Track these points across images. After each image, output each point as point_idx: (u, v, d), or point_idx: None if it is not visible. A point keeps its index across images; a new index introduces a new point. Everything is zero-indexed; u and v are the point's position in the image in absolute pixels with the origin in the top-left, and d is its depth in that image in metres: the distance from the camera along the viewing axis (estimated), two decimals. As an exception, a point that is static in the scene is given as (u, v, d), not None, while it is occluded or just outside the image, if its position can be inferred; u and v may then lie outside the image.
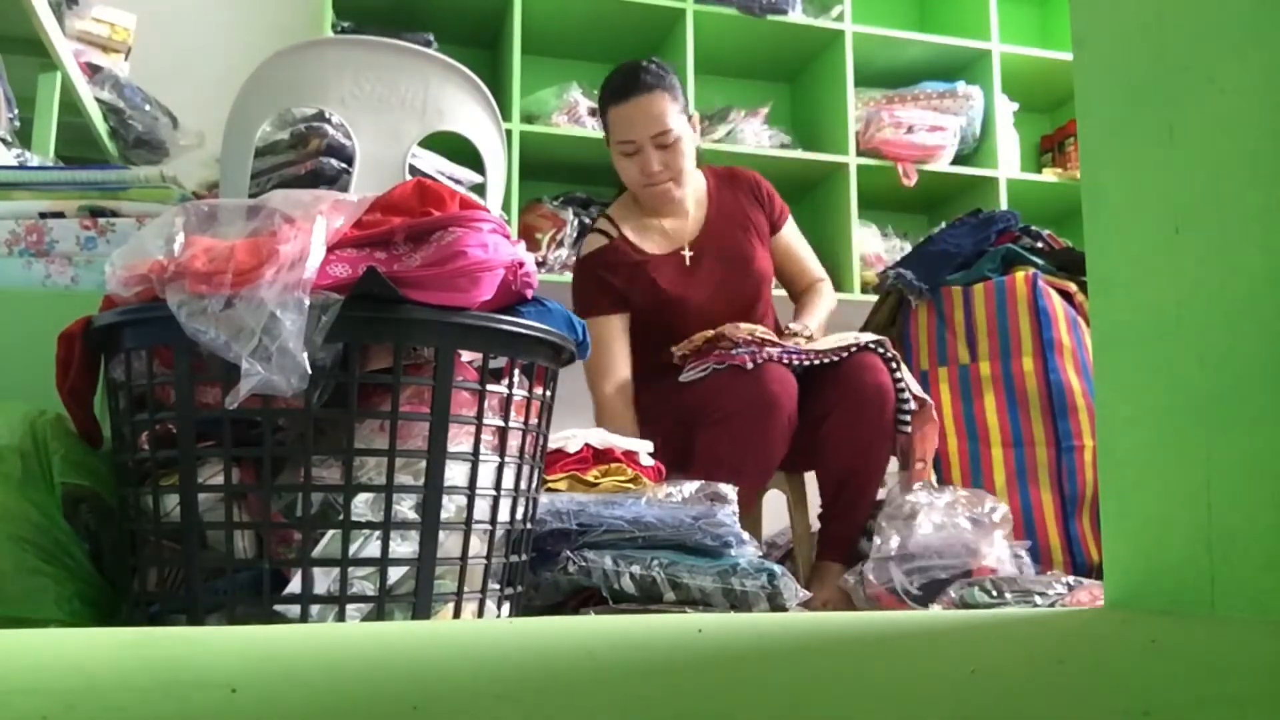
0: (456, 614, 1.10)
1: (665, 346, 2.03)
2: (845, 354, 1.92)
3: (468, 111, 1.38)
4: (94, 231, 1.39)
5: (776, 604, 1.31)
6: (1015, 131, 3.30)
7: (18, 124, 1.78)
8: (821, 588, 1.84)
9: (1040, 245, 2.26)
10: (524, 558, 1.22)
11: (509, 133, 2.70)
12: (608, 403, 2.06)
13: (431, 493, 1.06)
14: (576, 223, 2.86)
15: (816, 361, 1.90)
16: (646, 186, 2.09)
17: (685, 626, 0.93)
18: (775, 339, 1.93)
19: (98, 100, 2.13)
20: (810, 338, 2.01)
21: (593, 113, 2.92)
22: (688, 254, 2.14)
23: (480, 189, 1.49)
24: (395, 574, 1.06)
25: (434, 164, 1.50)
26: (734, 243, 2.15)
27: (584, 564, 1.32)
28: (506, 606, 1.19)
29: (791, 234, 2.26)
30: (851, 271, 3.00)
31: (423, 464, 1.06)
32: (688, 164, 2.10)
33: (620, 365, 2.08)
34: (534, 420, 1.18)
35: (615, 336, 2.09)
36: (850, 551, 1.89)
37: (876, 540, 1.73)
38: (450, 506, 1.09)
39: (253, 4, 2.97)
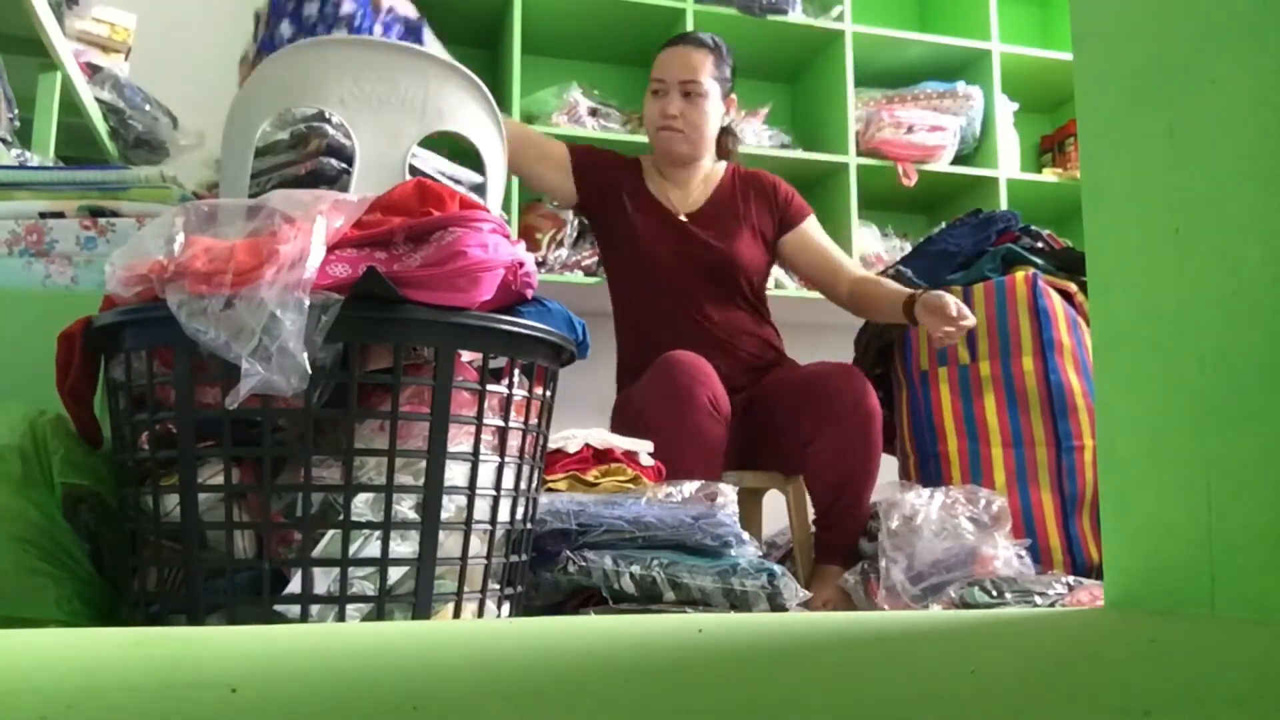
0: (456, 614, 1.09)
1: (642, 318, 2.11)
2: None
3: (468, 111, 1.38)
4: (94, 231, 1.39)
5: (776, 604, 1.31)
6: (1015, 131, 3.30)
7: (18, 124, 1.78)
8: (821, 588, 1.84)
9: (1040, 245, 2.26)
10: (524, 558, 1.22)
11: (509, 133, 2.69)
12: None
13: (431, 493, 1.06)
14: (576, 223, 2.86)
15: None
16: (661, 129, 2.15)
17: (685, 626, 0.93)
18: None
19: (98, 100, 2.13)
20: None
21: (593, 113, 2.92)
22: (682, 217, 2.17)
23: (480, 189, 1.49)
24: (395, 574, 1.06)
25: (434, 164, 1.49)
26: (724, 229, 2.17)
27: (584, 564, 1.32)
28: (506, 606, 1.19)
29: (813, 231, 2.24)
30: (852, 271, 2.99)
31: (423, 464, 1.06)
32: (706, 129, 2.16)
33: (533, 135, 2.19)
34: (534, 420, 1.18)
35: (550, 146, 2.18)
36: (849, 555, 1.89)
37: (882, 563, 1.73)
38: (450, 506, 1.09)
39: (253, 4, 2.96)
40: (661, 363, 1.87)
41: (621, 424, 1.98)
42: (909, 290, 2.04)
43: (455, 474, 1.08)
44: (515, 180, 2.69)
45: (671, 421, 1.80)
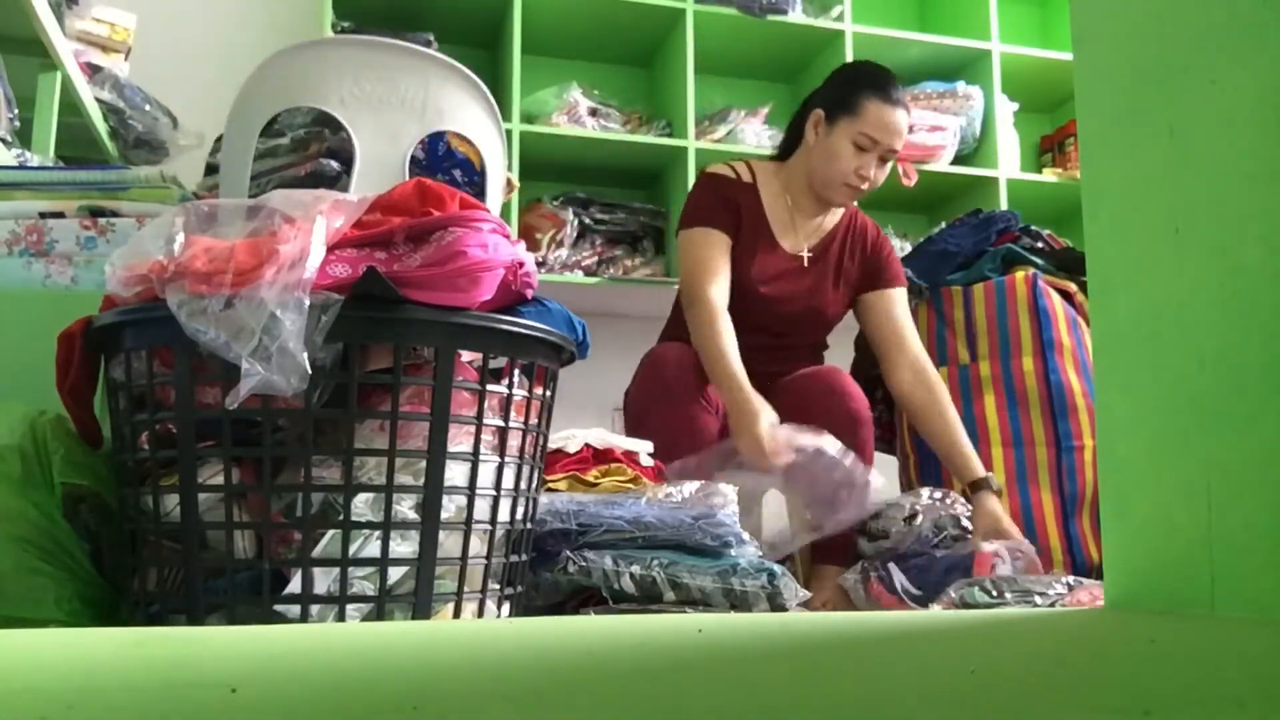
0: (456, 614, 1.09)
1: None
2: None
3: (468, 111, 1.38)
4: (94, 231, 1.39)
5: (776, 604, 1.31)
6: (1015, 131, 3.30)
7: (18, 124, 1.78)
8: (821, 589, 1.84)
9: (1040, 245, 2.26)
10: (524, 558, 1.22)
11: (509, 133, 2.70)
12: (711, 316, 1.88)
13: (431, 493, 1.06)
14: (576, 223, 2.86)
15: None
16: (848, 185, 2.04)
17: (685, 626, 0.93)
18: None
19: (98, 100, 2.13)
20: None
21: (593, 113, 2.91)
22: (807, 256, 2.11)
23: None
24: (395, 574, 1.06)
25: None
26: (823, 276, 2.12)
27: (584, 564, 1.32)
28: (506, 606, 1.19)
29: (899, 302, 2.14)
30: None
31: (423, 464, 1.06)
32: None
33: (724, 278, 1.95)
34: (534, 420, 1.18)
35: (723, 250, 1.99)
36: (846, 554, 1.90)
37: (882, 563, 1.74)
38: (450, 506, 1.09)
39: (253, 4, 2.97)
40: (652, 358, 1.88)
41: (628, 419, 2.00)
42: (975, 471, 1.92)
43: (455, 474, 1.08)
44: (515, 180, 2.69)
45: (665, 414, 1.82)
